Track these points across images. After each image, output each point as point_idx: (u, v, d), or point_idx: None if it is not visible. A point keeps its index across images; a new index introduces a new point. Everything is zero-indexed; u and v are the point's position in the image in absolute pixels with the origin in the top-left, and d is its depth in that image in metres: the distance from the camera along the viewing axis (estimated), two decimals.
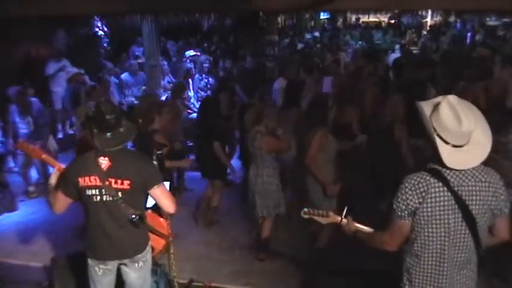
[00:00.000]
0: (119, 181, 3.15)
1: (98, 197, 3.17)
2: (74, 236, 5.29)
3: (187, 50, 12.09)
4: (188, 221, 6.09)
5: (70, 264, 4.51)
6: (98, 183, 3.14)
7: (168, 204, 3.31)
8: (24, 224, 6.37)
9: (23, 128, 6.96)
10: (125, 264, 3.40)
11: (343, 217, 3.00)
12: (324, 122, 5.04)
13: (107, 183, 3.14)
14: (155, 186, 3.24)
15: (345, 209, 3.05)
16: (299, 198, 5.51)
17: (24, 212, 6.76)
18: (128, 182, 3.15)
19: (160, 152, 4.58)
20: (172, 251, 4.28)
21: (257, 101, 6.51)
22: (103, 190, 3.15)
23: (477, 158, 2.47)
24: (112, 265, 3.38)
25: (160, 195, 3.27)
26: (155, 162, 4.45)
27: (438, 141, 2.45)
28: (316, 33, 17.47)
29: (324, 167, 4.86)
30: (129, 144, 3.51)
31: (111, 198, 3.16)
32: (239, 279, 4.89)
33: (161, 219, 3.61)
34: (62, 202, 3.30)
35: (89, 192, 3.17)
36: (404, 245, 2.67)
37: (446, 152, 2.44)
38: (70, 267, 4.49)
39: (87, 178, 3.16)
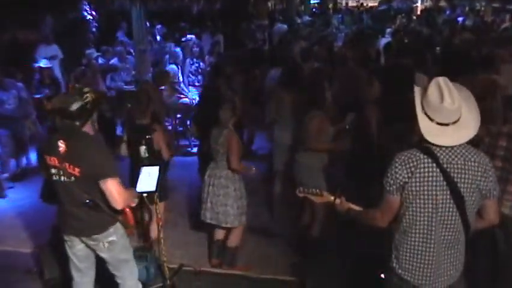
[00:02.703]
0: (71, 166, 3.24)
1: (57, 176, 3.31)
2: None
3: (175, 35, 12.01)
4: (177, 208, 6.08)
5: (59, 250, 4.50)
6: (57, 163, 3.27)
7: (116, 200, 3.25)
8: (12, 210, 6.32)
9: (10, 104, 6.89)
10: (88, 243, 3.48)
11: (336, 196, 3.07)
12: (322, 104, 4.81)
13: (63, 165, 3.25)
14: (104, 180, 3.22)
15: (339, 188, 3.12)
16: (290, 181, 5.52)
17: (13, 198, 6.71)
18: (79, 169, 3.22)
19: (149, 136, 4.55)
20: (162, 236, 4.29)
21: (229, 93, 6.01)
22: (61, 171, 3.28)
23: (460, 139, 2.51)
24: (74, 240, 3.49)
25: (108, 188, 3.23)
26: (144, 147, 4.44)
27: (424, 117, 2.52)
28: (307, 18, 17.37)
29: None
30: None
31: (68, 179, 3.28)
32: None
33: (126, 208, 3.58)
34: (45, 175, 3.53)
35: (51, 170, 3.32)
36: (394, 222, 2.71)
37: (428, 128, 2.50)
38: (59, 253, 4.48)
39: (49, 158, 3.30)
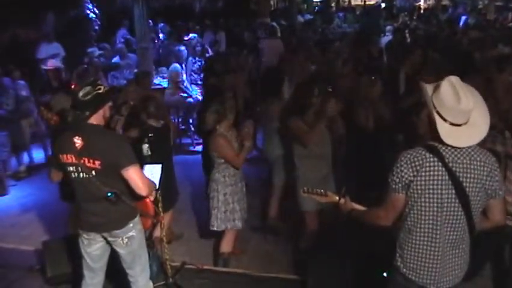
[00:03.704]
0: (91, 160, 3.22)
1: (76, 174, 3.29)
2: (65, 220, 5.27)
3: (179, 33, 12.00)
4: (179, 205, 6.07)
5: (61, 247, 4.51)
6: (74, 161, 3.25)
7: (140, 187, 3.26)
8: (15, 207, 6.34)
9: (8, 105, 6.92)
10: (108, 239, 3.46)
11: (341, 196, 3.07)
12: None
13: (81, 161, 3.23)
14: (126, 168, 3.22)
15: (343, 188, 3.12)
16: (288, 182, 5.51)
17: (15, 195, 6.73)
18: (99, 162, 3.21)
19: (151, 135, 4.55)
20: (164, 233, 4.29)
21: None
22: (79, 167, 3.25)
23: (474, 138, 2.50)
24: (94, 237, 3.46)
25: (131, 176, 3.24)
26: (146, 145, 4.44)
27: (437, 118, 2.49)
28: (307, 16, 17.36)
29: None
30: None
31: (87, 176, 3.25)
32: (230, 262, 4.89)
33: (147, 199, 3.59)
34: (55, 174, 3.56)
35: (68, 168, 3.30)
36: (398, 221, 2.70)
37: (444, 129, 2.48)
38: (61, 250, 4.49)
39: (65, 156, 3.28)
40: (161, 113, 4.92)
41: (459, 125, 2.47)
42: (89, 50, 9.86)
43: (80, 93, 3.22)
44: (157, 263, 4.39)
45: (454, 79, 2.48)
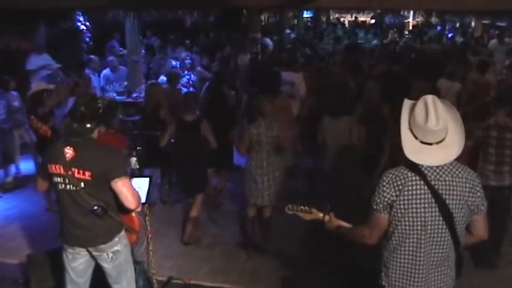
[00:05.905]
0: (81, 171, 3.20)
1: (63, 185, 3.27)
2: (51, 233, 5.23)
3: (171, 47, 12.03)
4: (167, 218, 6.06)
5: (46, 261, 4.46)
6: (62, 172, 3.23)
7: (129, 200, 3.24)
8: (0, 220, 6.26)
9: (0, 114, 6.89)
10: (92, 253, 3.42)
11: (326, 213, 3.06)
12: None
13: (70, 172, 3.20)
14: (116, 179, 3.20)
15: (328, 205, 3.11)
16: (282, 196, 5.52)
17: (1, 207, 6.64)
18: (90, 173, 3.20)
19: (139, 147, 4.54)
20: (151, 248, 4.27)
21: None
22: (67, 179, 3.23)
23: (445, 158, 2.52)
24: (79, 251, 3.42)
25: (121, 189, 3.22)
26: (134, 158, 4.43)
27: (409, 134, 2.54)
28: (288, 31, 17.49)
29: None
30: None
31: (74, 188, 3.23)
32: (218, 277, 4.88)
33: (133, 214, 3.58)
34: (41, 183, 3.53)
35: (55, 179, 3.29)
36: (383, 239, 2.71)
37: (412, 146, 2.52)
38: (46, 264, 4.45)
39: (53, 166, 3.26)
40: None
41: (430, 144, 2.50)
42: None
43: (81, 106, 3.22)
44: (143, 277, 4.37)
45: (430, 98, 2.51)
